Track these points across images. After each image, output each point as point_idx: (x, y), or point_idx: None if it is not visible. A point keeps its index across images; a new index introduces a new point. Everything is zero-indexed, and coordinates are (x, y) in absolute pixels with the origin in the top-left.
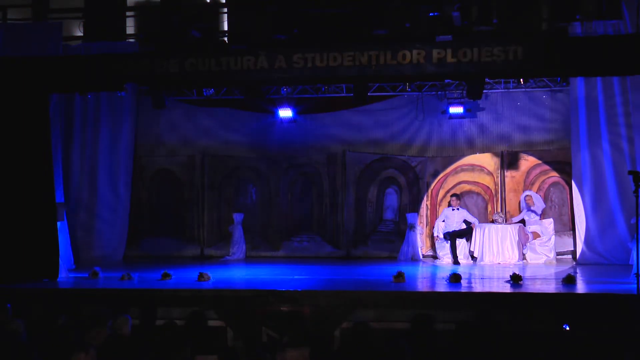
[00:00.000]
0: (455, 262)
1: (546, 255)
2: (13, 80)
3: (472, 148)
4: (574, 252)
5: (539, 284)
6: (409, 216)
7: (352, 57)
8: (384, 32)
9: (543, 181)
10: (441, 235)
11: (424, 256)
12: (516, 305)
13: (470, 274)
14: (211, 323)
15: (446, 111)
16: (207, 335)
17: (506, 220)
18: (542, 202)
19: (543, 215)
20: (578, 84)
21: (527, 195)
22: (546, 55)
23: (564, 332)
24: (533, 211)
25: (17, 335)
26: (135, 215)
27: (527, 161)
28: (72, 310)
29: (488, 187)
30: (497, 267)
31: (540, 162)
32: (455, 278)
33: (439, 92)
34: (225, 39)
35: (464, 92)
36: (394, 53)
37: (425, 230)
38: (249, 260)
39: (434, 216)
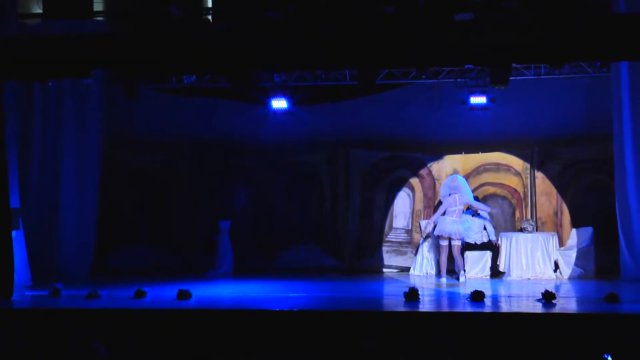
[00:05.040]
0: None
1: (583, 270)
2: None
3: (497, 144)
4: (617, 266)
5: (575, 303)
6: (424, 223)
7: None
8: (393, 9)
9: (579, 182)
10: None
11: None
12: (549, 328)
13: (495, 292)
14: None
15: (466, 101)
16: None
17: (537, 229)
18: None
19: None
20: (621, 70)
21: (452, 178)
22: (584, 35)
23: None
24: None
25: None
26: (104, 223)
27: (561, 159)
28: (30, 335)
29: (516, 190)
30: (527, 283)
31: (576, 160)
32: (477, 296)
33: (459, 80)
34: (209, 17)
35: (487, 79)
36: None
37: None
38: (237, 274)
39: None
